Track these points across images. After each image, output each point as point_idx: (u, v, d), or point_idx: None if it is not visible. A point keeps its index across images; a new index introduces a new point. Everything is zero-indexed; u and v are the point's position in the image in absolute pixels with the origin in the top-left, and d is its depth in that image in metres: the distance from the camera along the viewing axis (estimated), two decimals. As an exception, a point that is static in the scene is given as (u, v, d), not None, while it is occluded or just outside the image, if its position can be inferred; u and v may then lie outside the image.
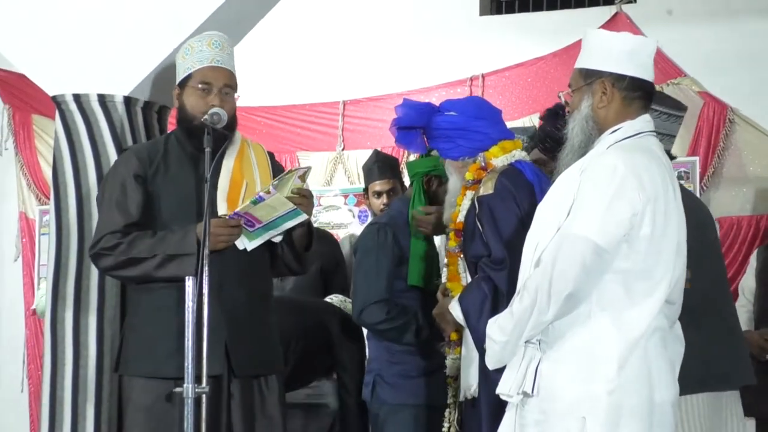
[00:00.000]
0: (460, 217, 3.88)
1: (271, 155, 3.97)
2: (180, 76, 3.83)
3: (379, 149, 5.78)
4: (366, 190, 5.34)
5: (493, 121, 4.00)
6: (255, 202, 3.59)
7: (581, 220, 3.05)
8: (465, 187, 3.90)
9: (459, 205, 3.90)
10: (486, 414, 3.64)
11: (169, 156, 3.83)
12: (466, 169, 3.92)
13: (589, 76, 3.25)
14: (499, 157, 3.89)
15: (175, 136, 3.87)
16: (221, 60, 3.80)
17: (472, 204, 3.83)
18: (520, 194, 3.75)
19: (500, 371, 3.24)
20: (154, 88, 4.25)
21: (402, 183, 5.33)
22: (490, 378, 3.29)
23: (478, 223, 3.78)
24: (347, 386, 4.73)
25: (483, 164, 3.89)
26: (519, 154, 3.93)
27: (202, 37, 3.84)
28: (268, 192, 3.57)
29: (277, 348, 3.88)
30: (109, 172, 3.93)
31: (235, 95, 3.84)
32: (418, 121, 4.00)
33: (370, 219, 5.70)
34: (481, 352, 3.65)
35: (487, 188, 3.80)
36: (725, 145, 6.25)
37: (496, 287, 3.66)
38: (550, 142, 4.12)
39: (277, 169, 3.86)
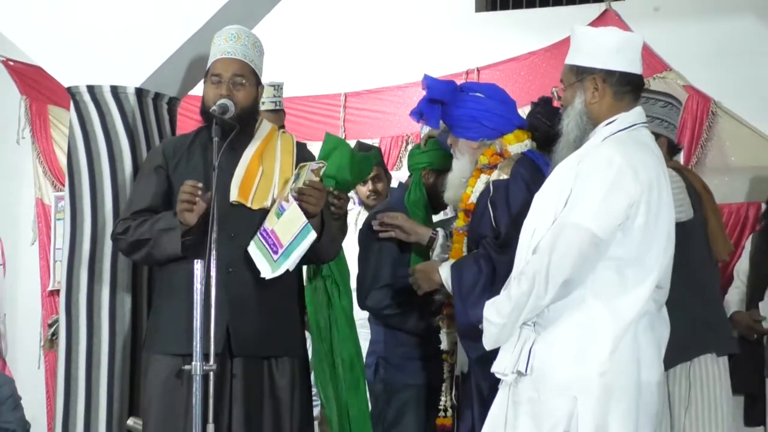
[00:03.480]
0: (473, 198, 3.84)
1: (301, 145, 3.92)
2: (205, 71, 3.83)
3: (361, 140, 5.80)
4: None
5: (512, 108, 3.97)
6: (278, 214, 3.56)
7: (579, 209, 3.04)
8: (479, 170, 3.85)
9: (472, 187, 3.85)
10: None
11: (193, 147, 3.82)
12: (480, 151, 3.88)
13: (580, 72, 3.21)
14: (514, 145, 3.86)
15: (205, 128, 3.85)
16: (232, 51, 3.75)
17: (487, 187, 3.79)
18: (535, 186, 3.71)
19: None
20: (164, 80, 4.23)
21: (386, 170, 5.39)
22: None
23: (490, 206, 3.75)
24: None
25: (499, 150, 3.85)
26: (530, 144, 3.90)
27: (221, 32, 3.80)
28: (287, 200, 3.54)
29: (292, 331, 3.81)
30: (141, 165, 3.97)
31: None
32: (444, 96, 3.94)
33: (357, 205, 5.73)
34: (462, 322, 3.67)
35: (503, 173, 3.76)
36: (708, 136, 6.24)
37: (494, 268, 3.63)
38: (539, 135, 4.10)
39: (304, 160, 3.78)
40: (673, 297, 3.28)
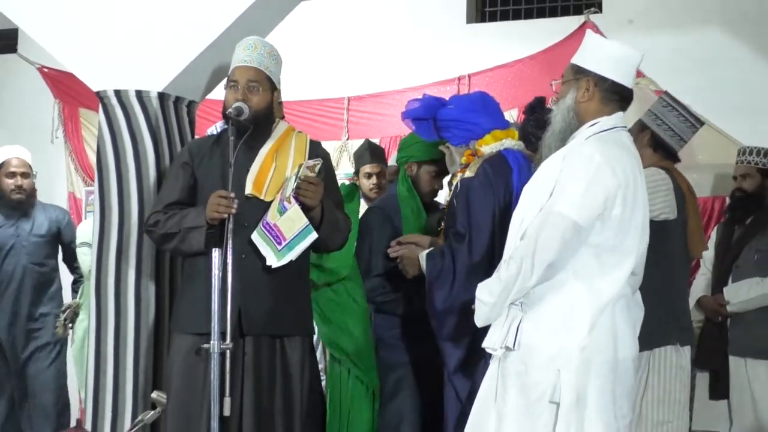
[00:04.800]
0: (449, 196, 3.89)
1: (315, 144, 3.91)
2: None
3: (369, 139, 5.82)
4: (357, 172, 5.38)
5: (486, 113, 3.97)
6: (280, 212, 3.56)
7: (562, 200, 3.05)
8: (459, 170, 3.90)
9: (452, 185, 3.91)
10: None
11: (215, 146, 3.83)
12: (463, 153, 3.93)
13: (579, 72, 3.23)
14: (489, 145, 3.88)
15: (227, 129, 3.84)
16: (248, 60, 3.76)
17: (457, 185, 3.83)
18: (498, 180, 3.75)
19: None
20: (184, 85, 4.23)
21: (387, 166, 5.41)
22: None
23: (455, 202, 3.79)
24: None
25: (474, 151, 3.88)
26: (509, 143, 3.91)
27: (241, 43, 3.82)
28: (290, 201, 3.54)
29: (303, 312, 3.80)
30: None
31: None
32: (424, 114, 4.01)
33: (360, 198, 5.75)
34: (427, 304, 3.77)
35: (471, 172, 3.80)
36: (678, 137, 6.22)
37: (453, 258, 3.69)
38: (534, 141, 4.10)
39: (317, 156, 3.75)
40: (648, 289, 3.29)
